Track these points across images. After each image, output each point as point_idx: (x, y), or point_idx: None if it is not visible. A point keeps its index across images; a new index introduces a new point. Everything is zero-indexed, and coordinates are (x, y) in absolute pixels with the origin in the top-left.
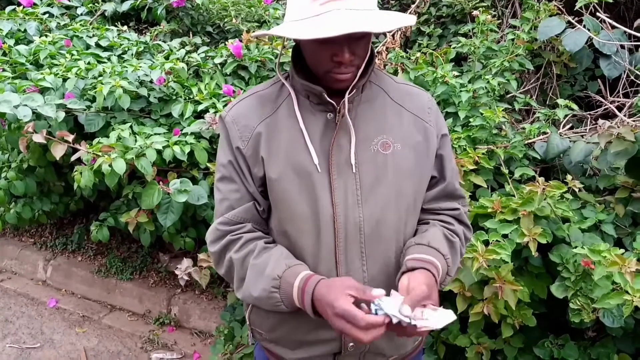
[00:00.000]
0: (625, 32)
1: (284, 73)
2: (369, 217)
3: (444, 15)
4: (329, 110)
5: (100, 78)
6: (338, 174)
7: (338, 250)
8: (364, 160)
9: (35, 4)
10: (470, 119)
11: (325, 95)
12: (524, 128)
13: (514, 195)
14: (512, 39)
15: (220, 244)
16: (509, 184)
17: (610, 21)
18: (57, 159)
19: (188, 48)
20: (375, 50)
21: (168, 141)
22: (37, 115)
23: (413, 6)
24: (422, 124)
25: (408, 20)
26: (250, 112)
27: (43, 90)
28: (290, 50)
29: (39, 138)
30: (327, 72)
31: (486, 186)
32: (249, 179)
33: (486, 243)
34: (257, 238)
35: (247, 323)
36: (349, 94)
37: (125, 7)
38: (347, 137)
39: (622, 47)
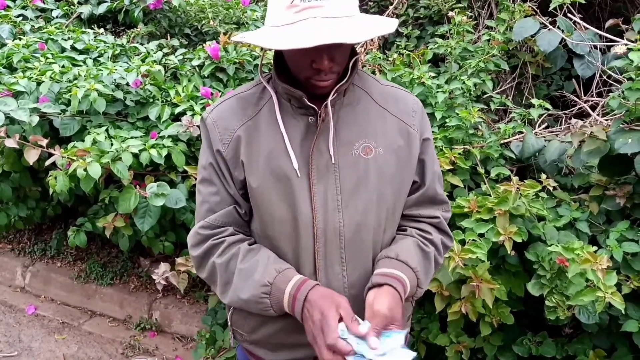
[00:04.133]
0: (596, 33)
1: (266, 75)
2: (349, 222)
3: (421, 16)
4: (310, 114)
5: (75, 81)
6: (318, 178)
7: (317, 256)
8: (345, 164)
9: (8, 7)
10: (447, 120)
11: (306, 100)
12: (499, 128)
13: (490, 195)
14: (488, 40)
15: (202, 249)
16: (485, 184)
17: (582, 22)
18: (31, 163)
19: (165, 50)
20: None
21: (145, 144)
22: (10, 120)
23: (391, 7)
24: (406, 128)
25: (387, 27)
26: (231, 115)
27: (16, 95)
28: (271, 51)
29: (11, 143)
30: (307, 79)
31: (463, 186)
32: (229, 182)
33: (463, 242)
34: (239, 241)
35: (229, 324)
36: (331, 97)
37: (101, 9)
38: (327, 142)
39: (595, 47)
